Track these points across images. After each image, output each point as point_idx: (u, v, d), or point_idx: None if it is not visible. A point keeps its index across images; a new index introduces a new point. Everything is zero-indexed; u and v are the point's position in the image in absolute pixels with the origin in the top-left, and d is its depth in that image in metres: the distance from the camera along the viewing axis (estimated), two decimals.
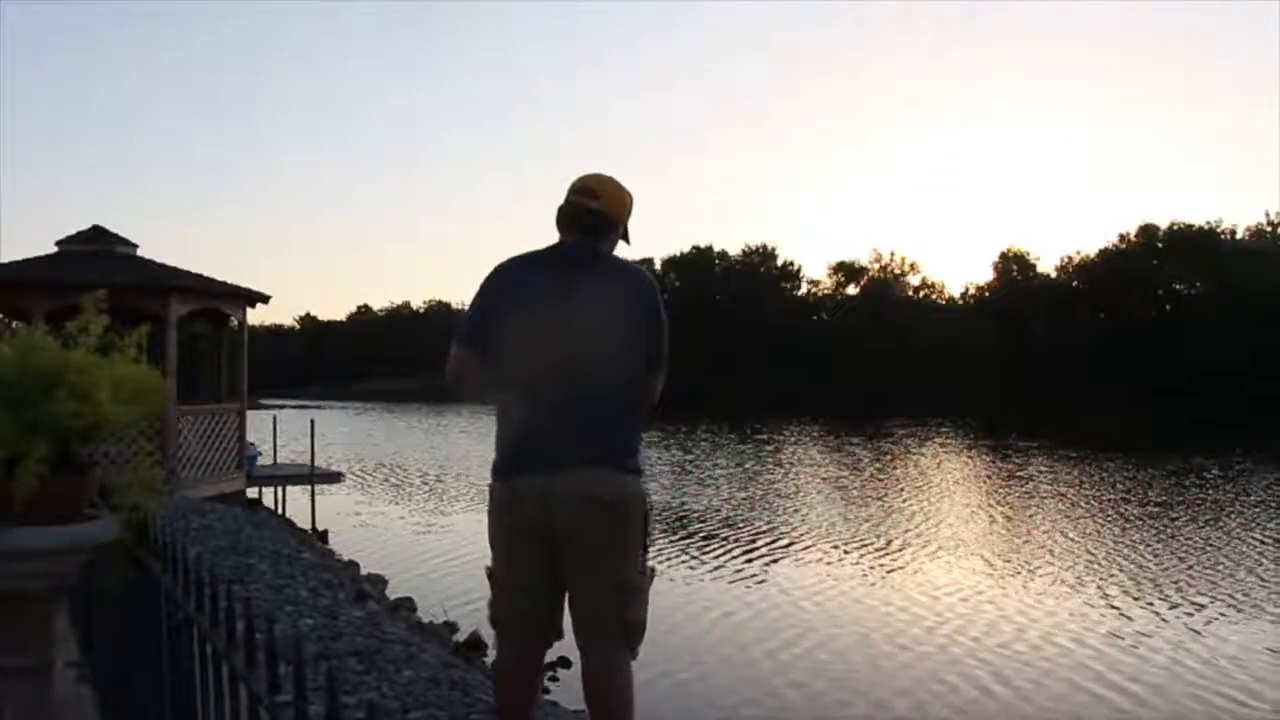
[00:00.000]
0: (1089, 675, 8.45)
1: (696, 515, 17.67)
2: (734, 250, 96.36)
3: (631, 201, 3.12)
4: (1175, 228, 72.97)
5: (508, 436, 2.96)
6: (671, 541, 14.91)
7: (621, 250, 3.15)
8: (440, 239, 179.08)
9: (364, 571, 11.85)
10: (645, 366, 2.97)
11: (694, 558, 13.75)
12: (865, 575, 12.79)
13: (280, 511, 16.99)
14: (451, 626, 9.30)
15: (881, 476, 24.95)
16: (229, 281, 16.30)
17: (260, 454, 18.51)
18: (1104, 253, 75.84)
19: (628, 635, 2.88)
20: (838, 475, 25.31)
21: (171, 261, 16.18)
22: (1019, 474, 25.52)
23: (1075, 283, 76.77)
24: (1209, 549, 14.36)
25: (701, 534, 15.75)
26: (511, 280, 3.02)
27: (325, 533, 15.71)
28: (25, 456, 1.95)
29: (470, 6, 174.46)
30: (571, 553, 2.87)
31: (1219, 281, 65.70)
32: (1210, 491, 21.24)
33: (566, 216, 3.06)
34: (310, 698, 1.37)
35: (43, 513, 2.01)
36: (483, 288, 3.05)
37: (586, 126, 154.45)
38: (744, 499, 20.00)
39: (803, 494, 21.29)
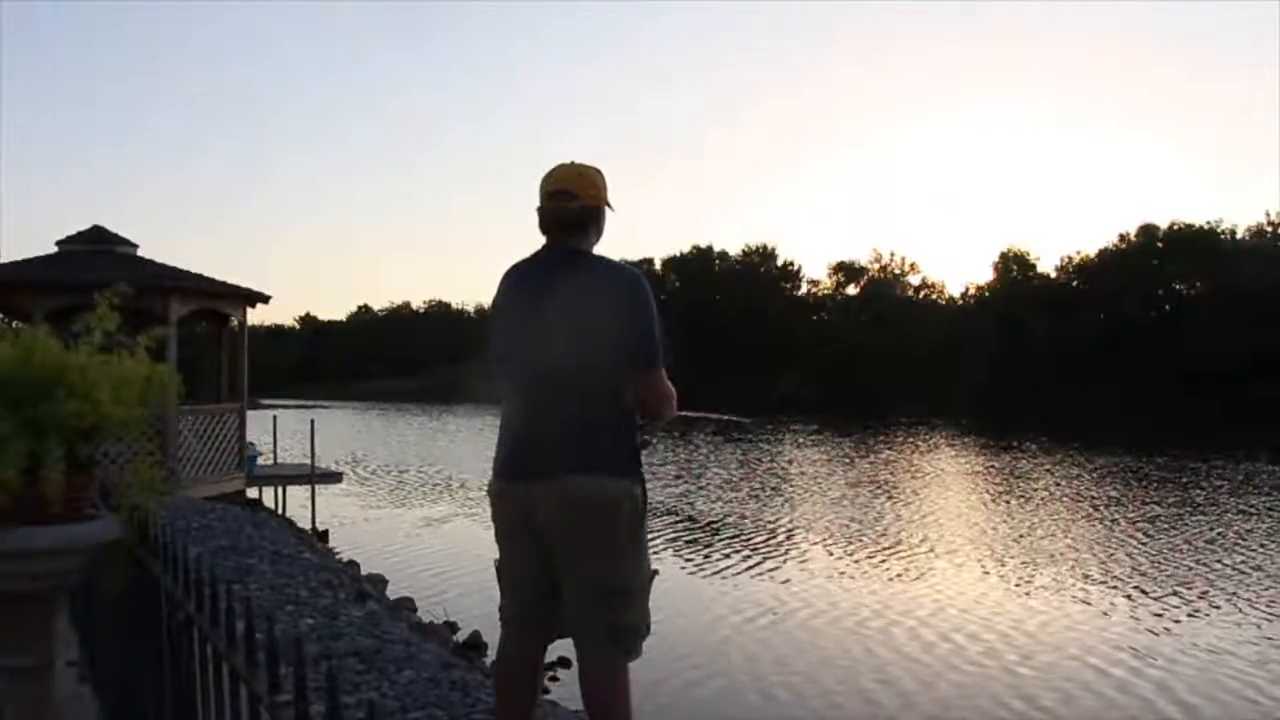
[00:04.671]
0: (1089, 675, 8.45)
1: (696, 516, 17.67)
2: (734, 250, 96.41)
3: (603, 179, 3.11)
4: (1175, 228, 72.96)
5: (501, 438, 3.05)
6: (672, 542, 14.92)
7: (608, 219, 3.14)
8: (440, 239, 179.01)
9: (364, 571, 11.85)
10: (632, 363, 2.92)
11: (694, 558, 13.75)
12: (865, 574, 12.79)
13: (280, 511, 16.99)
14: (451, 626, 9.31)
15: (881, 476, 24.94)
16: (229, 281, 16.31)
17: (260, 454, 18.51)
18: (1104, 253, 75.84)
19: (618, 637, 2.89)
20: (838, 475, 25.31)
21: (171, 261, 16.21)
22: (1019, 474, 25.52)
23: (1075, 283, 76.77)
24: (1210, 549, 14.36)
25: (701, 534, 15.76)
26: (502, 290, 3.12)
27: (325, 533, 15.71)
28: (45, 456, 1.96)
29: (469, 6, 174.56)
30: (558, 554, 2.91)
31: (1219, 281, 65.66)
32: (1211, 491, 21.23)
33: (548, 221, 3.06)
34: (310, 697, 1.37)
35: (43, 512, 2.01)
36: (493, 299, 3.17)
37: (586, 126, 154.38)
38: (743, 499, 20.00)
39: (802, 494, 21.29)
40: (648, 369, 2.95)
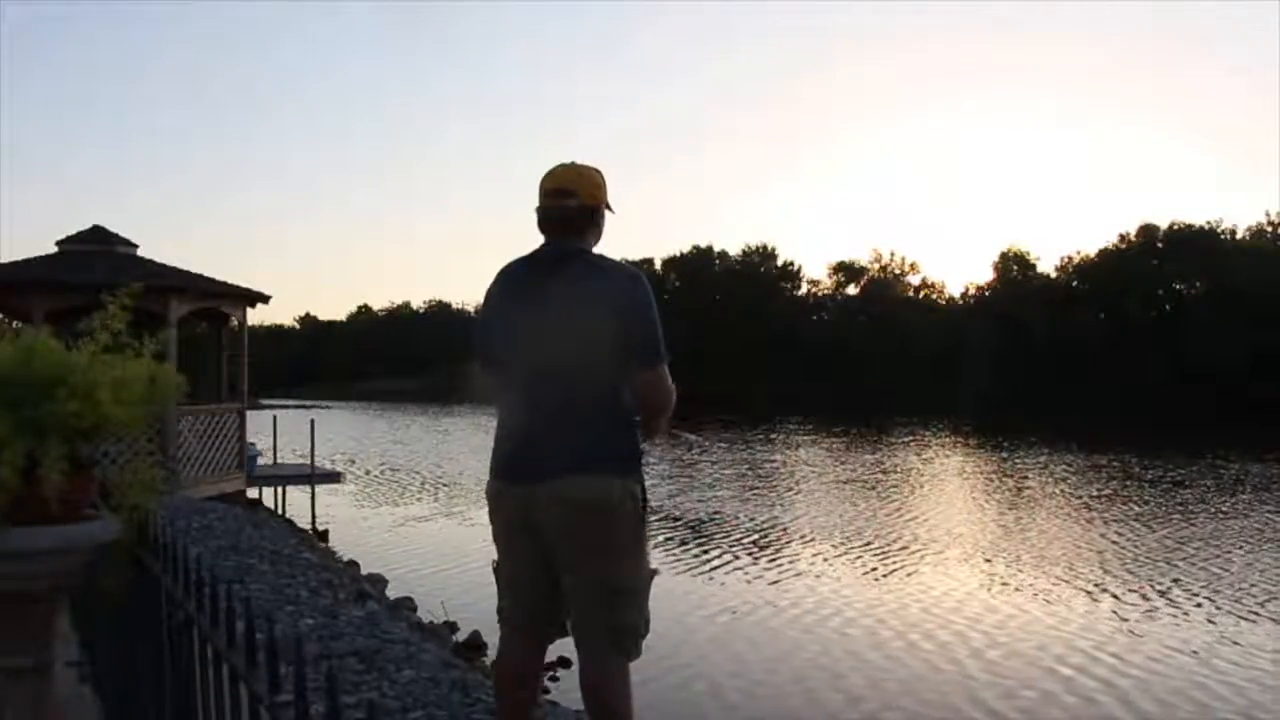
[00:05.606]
0: (1089, 675, 8.45)
1: (696, 516, 17.67)
2: (734, 250, 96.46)
3: (603, 179, 3.10)
4: (1175, 228, 73.05)
5: (497, 439, 3.04)
6: (671, 541, 14.90)
7: (607, 218, 3.14)
8: (440, 239, 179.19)
9: (364, 571, 11.85)
10: (629, 362, 2.90)
11: (694, 558, 13.74)
12: (865, 575, 12.79)
13: (280, 511, 16.99)
14: (451, 626, 9.30)
15: (881, 477, 24.94)
16: (229, 281, 16.31)
17: (260, 454, 18.51)
18: (1104, 253, 75.92)
19: (618, 637, 2.89)
20: (837, 476, 25.30)
21: (171, 261, 16.21)
22: (1018, 474, 25.51)
23: (1075, 283, 76.84)
24: (1209, 549, 14.35)
25: (702, 534, 15.74)
26: (497, 289, 3.10)
27: (325, 532, 15.71)
28: (45, 456, 1.96)
29: (469, 6, 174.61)
30: (558, 554, 2.90)
31: (1219, 281, 65.72)
32: (1210, 491, 21.22)
33: (547, 220, 3.05)
34: (311, 697, 1.37)
35: (43, 513, 2.01)
36: (484, 296, 3.15)
37: (586, 126, 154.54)
38: (743, 499, 20.00)
39: (802, 494, 21.29)
40: (651, 367, 2.93)
